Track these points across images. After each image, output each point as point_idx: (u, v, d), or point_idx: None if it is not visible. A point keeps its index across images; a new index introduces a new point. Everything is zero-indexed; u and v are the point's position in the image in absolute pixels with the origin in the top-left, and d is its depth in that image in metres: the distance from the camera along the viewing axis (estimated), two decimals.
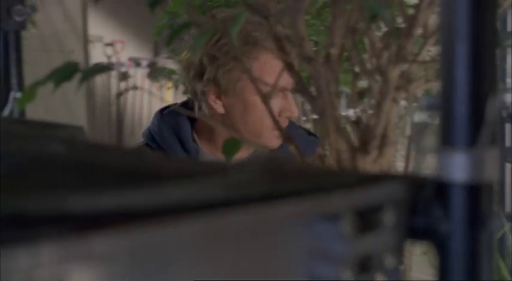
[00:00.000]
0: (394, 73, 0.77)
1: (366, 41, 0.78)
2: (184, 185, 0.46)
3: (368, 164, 0.81)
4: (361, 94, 0.80)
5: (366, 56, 0.78)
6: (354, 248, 0.48)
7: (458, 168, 0.50)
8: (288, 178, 0.50)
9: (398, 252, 0.52)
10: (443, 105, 0.51)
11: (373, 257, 0.50)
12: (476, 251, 0.50)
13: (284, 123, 1.52)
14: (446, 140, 0.50)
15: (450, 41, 0.50)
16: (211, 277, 0.41)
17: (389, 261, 0.51)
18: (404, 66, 0.78)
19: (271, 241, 0.46)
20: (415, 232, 0.52)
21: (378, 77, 0.78)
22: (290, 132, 1.40)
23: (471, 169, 0.50)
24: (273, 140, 1.51)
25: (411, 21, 0.78)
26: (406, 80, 0.76)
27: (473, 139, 0.50)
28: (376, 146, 0.80)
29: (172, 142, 1.54)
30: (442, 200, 0.51)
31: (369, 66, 0.79)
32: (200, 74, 1.49)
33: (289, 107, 1.52)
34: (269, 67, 1.48)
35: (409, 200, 0.51)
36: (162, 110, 1.57)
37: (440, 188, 0.51)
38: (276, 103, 1.50)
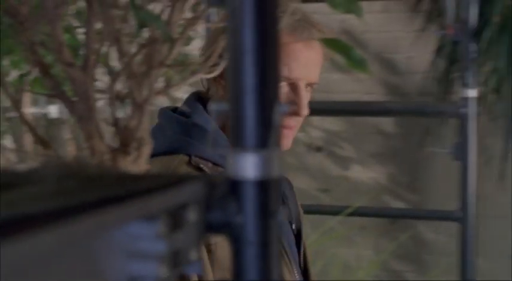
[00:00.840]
0: (154, 77, 0.81)
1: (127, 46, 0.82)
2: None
3: (128, 164, 0.85)
4: (122, 98, 0.83)
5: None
6: (168, 246, 0.52)
7: (249, 167, 0.56)
8: (100, 184, 0.52)
9: (199, 246, 0.57)
10: (234, 111, 0.57)
11: (181, 252, 0.54)
12: (267, 239, 0.57)
13: (288, 120, 1.35)
14: (238, 142, 0.56)
15: (238, 53, 0.56)
16: None
17: (193, 255, 0.56)
18: (163, 71, 0.83)
19: (91, 248, 0.48)
20: (213, 226, 0.57)
21: (139, 81, 0.82)
22: None
23: (261, 167, 0.56)
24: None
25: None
26: (166, 84, 0.81)
27: (261, 141, 0.56)
28: (135, 147, 0.84)
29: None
30: (236, 196, 0.57)
31: (126, 71, 0.83)
32: None
33: (298, 102, 1.36)
34: (296, 55, 1.36)
35: (207, 198, 0.57)
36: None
37: (234, 186, 0.57)
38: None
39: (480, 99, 2.57)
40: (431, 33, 2.83)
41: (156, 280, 0.51)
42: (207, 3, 0.60)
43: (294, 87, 1.36)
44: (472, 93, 2.54)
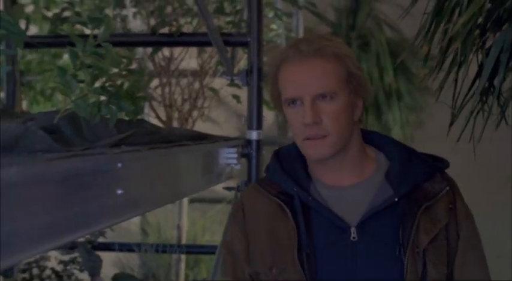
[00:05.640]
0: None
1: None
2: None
3: None
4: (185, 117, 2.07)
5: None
6: (237, 157, 1.79)
7: (254, 135, 1.86)
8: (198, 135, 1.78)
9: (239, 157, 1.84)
10: (249, 115, 1.85)
11: (238, 158, 1.81)
12: (258, 154, 1.86)
13: (309, 131, 1.47)
14: (251, 126, 1.85)
15: (252, 97, 1.85)
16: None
17: (238, 160, 1.83)
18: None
19: (213, 156, 1.75)
20: (243, 154, 1.85)
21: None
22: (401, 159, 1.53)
23: (257, 135, 1.86)
24: (309, 151, 1.48)
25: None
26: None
27: (257, 126, 1.85)
28: None
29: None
30: (250, 144, 1.86)
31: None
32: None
33: (304, 114, 1.45)
34: (290, 76, 1.49)
35: (239, 144, 1.85)
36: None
37: (249, 142, 1.86)
38: (296, 112, 1.47)
39: None
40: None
41: (234, 164, 1.78)
42: (243, 83, 1.86)
43: (301, 103, 1.48)
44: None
